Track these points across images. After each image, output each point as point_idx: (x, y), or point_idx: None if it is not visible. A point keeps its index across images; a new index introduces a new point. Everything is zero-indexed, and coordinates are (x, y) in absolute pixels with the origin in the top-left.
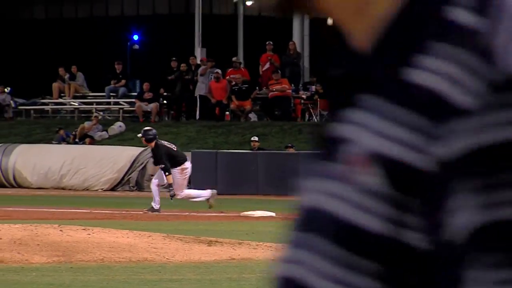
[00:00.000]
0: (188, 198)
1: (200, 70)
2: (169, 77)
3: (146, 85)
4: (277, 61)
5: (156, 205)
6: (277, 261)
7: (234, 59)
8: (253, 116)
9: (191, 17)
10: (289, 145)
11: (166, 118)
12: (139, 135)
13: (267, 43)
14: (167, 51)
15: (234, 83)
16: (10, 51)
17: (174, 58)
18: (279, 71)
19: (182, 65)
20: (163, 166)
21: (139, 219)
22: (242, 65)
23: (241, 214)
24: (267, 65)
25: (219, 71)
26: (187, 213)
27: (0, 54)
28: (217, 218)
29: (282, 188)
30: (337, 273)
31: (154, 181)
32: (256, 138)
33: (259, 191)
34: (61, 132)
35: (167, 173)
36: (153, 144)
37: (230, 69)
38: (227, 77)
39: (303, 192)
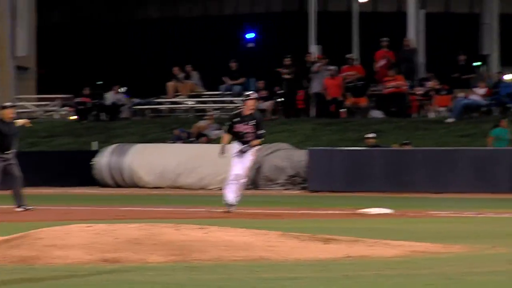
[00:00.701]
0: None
1: (314, 67)
2: (283, 75)
3: (260, 83)
4: (393, 57)
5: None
6: None
7: (348, 55)
8: (377, 113)
9: (305, 15)
10: (406, 141)
11: (282, 116)
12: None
13: (382, 39)
14: (282, 49)
15: (349, 80)
16: (125, 51)
17: (289, 56)
18: (395, 68)
19: (294, 63)
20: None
21: (255, 217)
22: (357, 62)
23: (357, 212)
24: (382, 62)
25: (334, 68)
26: (302, 211)
27: (115, 54)
28: (333, 216)
29: (399, 185)
30: None
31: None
32: (372, 135)
33: (375, 188)
34: (176, 132)
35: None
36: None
37: (345, 66)
38: (342, 74)
39: None
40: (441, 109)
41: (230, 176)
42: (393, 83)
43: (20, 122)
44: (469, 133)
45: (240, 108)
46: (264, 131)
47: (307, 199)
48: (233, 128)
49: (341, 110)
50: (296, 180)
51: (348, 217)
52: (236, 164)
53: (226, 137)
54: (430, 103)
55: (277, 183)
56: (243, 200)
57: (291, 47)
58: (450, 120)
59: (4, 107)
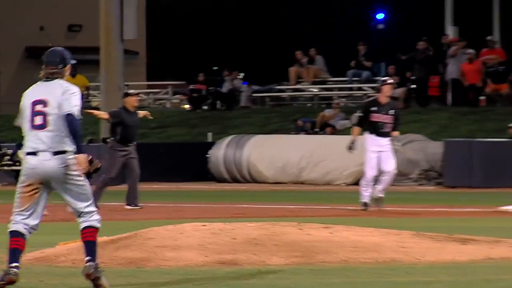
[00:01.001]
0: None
1: (451, 51)
2: (404, 57)
3: (391, 68)
4: None
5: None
6: None
7: (489, 38)
8: None
9: None
10: None
11: (415, 104)
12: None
13: None
14: (415, 31)
15: (489, 64)
16: (243, 33)
17: (424, 38)
18: None
19: (422, 44)
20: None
21: (386, 215)
22: (498, 45)
23: (499, 209)
24: None
25: (473, 51)
26: (437, 209)
27: (232, 37)
28: (472, 214)
29: None
30: None
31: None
32: None
33: None
34: (299, 122)
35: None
36: None
37: (484, 49)
38: (481, 58)
39: None
40: None
41: (366, 174)
42: None
43: (141, 113)
44: None
45: (374, 96)
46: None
47: (442, 195)
48: (368, 118)
49: (480, 98)
50: (431, 175)
51: (489, 216)
52: (372, 160)
53: (357, 129)
54: None
55: (410, 178)
56: (372, 197)
57: (425, 28)
58: None
59: (128, 94)
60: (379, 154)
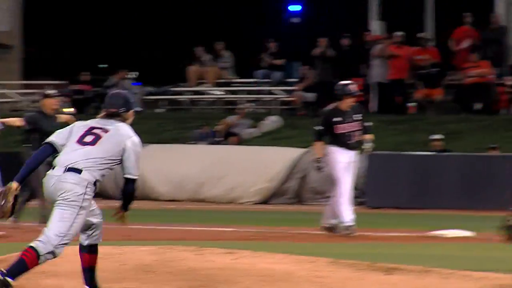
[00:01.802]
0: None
1: (375, 50)
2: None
3: (306, 69)
4: (478, 38)
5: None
6: None
7: (421, 35)
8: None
9: None
10: (493, 145)
11: None
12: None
13: (465, 14)
14: (335, 26)
15: (420, 66)
16: (134, 27)
17: (346, 35)
18: (478, 51)
19: (351, 43)
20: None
21: (299, 240)
22: (431, 43)
23: (429, 234)
24: (466, 43)
25: (402, 34)
26: (359, 233)
27: (122, 30)
28: (398, 239)
29: (482, 200)
30: None
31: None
32: (438, 136)
33: (451, 205)
34: (206, 128)
35: None
36: None
37: (415, 48)
38: (412, 58)
39: None
40: None
41: (342, 191)
42: (476, 71)
43: (62, 118)
44: None
45: (332, 104)
46: (371, 123)
47: (365, 217)
48: (331, 130)
49: (409, 104)
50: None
51: (417, 241)
52: (345, 172)
53: (319, 145)
54: None
55: (328, 197)
56: (282, 219)
57: (348, 23)
58: None
59: (47, 96)
60: (347, 167)
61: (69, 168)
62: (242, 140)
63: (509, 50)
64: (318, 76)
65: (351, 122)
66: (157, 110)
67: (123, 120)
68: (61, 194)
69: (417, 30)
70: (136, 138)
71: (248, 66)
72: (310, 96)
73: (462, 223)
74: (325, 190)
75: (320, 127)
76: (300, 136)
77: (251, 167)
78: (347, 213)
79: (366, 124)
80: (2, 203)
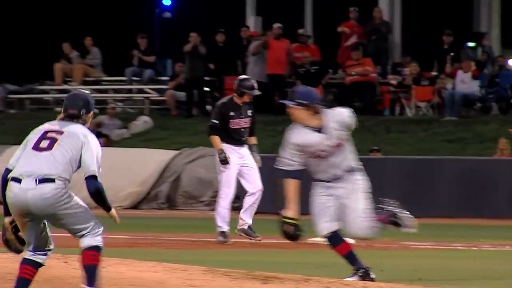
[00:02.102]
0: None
1: (252, 47)
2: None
3: (180, 66)
4: (362, 35)
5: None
6: None
7: (300, 31)
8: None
9: None
10: (375, 148)
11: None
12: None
13: (350, 9)
14: (210, 21)
15: (300, 63)
16: None
17: (221, 30)
18: (360, 48)
19: (226, 40)
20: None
21: (171, 246)
22: (311, 40)
23: (308, 241)
24: (352, 40)
25: (280, 25)
26: (234, 239)
27: None
28: (276, 246)
29: None
30: None
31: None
32: None
33: None
34: None
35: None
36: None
37: (295, 45)
38: (290, 54)
39: None
40: (422, 104)
41: (225, 195)
42: (358, 69)
43: None
44: (460, 136)
45: (227, 97)
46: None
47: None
48: (225, 125)
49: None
50: None
51: (297, 248)
52: (233, 176)
53: (217, 138)
54: (407, 96)
55: (201, 202)
56: (153, 224)
57: (224, 18)
58: (448, 118)
59: None
60: (240, 168)
61: (40, 180)
62: (111, 141)
63: (393, 48)
64: (189, 73)
65: (244, 118)
66: (21, 110)
67: (83, 122)
68: (56, 205)
69: (297, 27)
70: (93, 136)
71: (117, 63)
72: (183, 95)
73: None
74: (198, 195)
75: (215, 121)
76: (172, 138)
77: (120, 170)
78: (226, 218)
79: (254, 127)
80: (9, 243)
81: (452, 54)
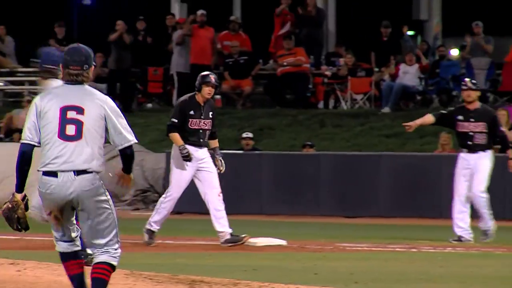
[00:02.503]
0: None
1: (175, 36)
2: (111, 38)
3: (99, 57)
4: (293, 22)
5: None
6: None
7: (232, 18)
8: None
9: None
10: (308, 143)
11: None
12: None
13: None
14: (132, 8)
15: (228, 53)
16: None
17: (141, 17)
18: (293, 37)
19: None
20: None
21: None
22: (240, 29)
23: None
24: (285, 28)
25: (203, 12)
26: (160, 241)
27: None
28: (204, 248)
29: (295, 205)
30: None
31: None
32: (250, 135)
33: (262, 209)
34: None
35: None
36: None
37: (224, 32)
38: (219, 45)
39: None
40: (358, 96)
41: (172, 194)
42: (290, 60)
43: None
44: (399, 131)
45: (189, 95)
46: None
47: (166, 223)
48: (186, 125)
49: (215, 97)
50: (150, 197)
51: (225, 250)
52: (185, 178)
53: (178, 136)
54: (343, 88)
55: (123, 201)
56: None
57: (146, 5)
58: (385, 110)
59: None
60: (197, 172)
61: (76, 171)
62: None
63: (327, 37)
64: (115, 64)
65: (205, 119)
66: None
67: (85, 79)
68: (92, 199)
69: (225, 14)
70: (111, 101)
71: (33, 53)
72: (103, 87)
73: (274, 230)
74: (119, 194)
75: (175, 120)
76: None
77: (35, 167)
78: (162, 219)
79: (214, 129)
80: (15, 220)
81: (393, 57)
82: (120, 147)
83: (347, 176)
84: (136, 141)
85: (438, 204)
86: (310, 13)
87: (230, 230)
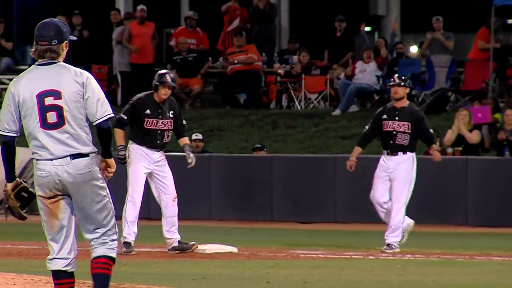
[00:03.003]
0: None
1: (115, 34)
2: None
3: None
4: (246, 19)
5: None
6: None
7: (189, 13)
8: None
9: None
10: (258, 145)
11: None
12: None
13: None
14: (76, 2)
15: (176, 51)
16: None
17: (76, 12)
18: (244, 34)
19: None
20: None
21: (33, 256)
22: (193, 25)
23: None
24: (235, 23)
25: (143, 8)
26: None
27: None
28: (150, 256)
29: (247, 210)
30: None
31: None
32: (199, 136)
33: (212, 215)
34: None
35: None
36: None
37: (180, 28)
38: (172, 42)
39: None
40: (313, 96)
41: (133, 200)
42: (241, 57)
43: None
44: (356, 132)
45: (146, 93)
46: (185, 122)
47: None
48: (141, 124)
49: None
50: None
51: (173, 258)
52: (141, 180)
53: (121, 134)
54: (297, 87)
55: None
56: (13, 232)
57: (92, 1)
58: (337, 112)
59: None
60: (152, 175)
61: (72, 155)
62: None
63: (280, 33)
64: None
65: (164, 119)
66: None
67: (55, 56)
68: (89, 183)
69: (172, 9)
70: (88, 75)
71: None
72: None
73: (226, 236)
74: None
75: (124, 116)
76: None
77: None
78: (132, 229)
79: (182, 124)
80: (11, 210)
81: (351, 52)
82: (96, 122)
83: (301, 180)
84: (113, 115)
85: None
86: (262, 9)
87: (178, 237)
